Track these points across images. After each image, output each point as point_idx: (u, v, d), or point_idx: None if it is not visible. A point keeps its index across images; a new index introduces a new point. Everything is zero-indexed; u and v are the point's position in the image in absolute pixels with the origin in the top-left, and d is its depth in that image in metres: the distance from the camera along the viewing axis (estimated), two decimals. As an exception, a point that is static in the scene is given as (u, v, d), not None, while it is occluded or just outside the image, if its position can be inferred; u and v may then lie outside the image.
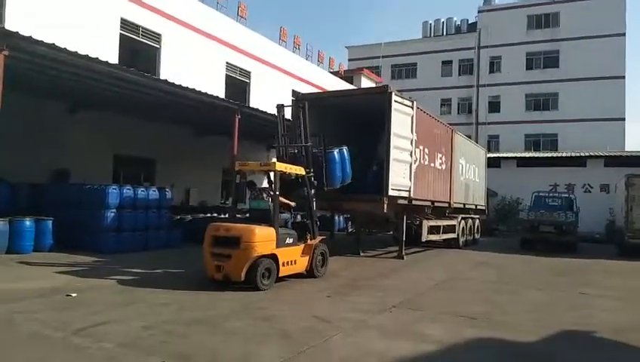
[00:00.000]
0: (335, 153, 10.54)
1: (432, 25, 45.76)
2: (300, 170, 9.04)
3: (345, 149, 10.85)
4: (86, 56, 9.88)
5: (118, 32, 16.12)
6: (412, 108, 12.30)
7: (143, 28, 17.14)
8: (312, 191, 9.37)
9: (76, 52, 9.70)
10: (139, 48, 17.83)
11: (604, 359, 5.24)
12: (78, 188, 12.33)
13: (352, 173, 10.97)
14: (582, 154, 27.86)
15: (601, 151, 28.46)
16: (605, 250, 18.64)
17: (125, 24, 16.41)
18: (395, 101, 11.51)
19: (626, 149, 32.43)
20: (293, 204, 9.20)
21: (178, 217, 15.04)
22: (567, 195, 20.85)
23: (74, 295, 6.88)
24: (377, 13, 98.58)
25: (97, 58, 10.09)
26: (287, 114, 10.76)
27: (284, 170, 8.67)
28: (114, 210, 11.68)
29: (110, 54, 14.11)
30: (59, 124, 14.20)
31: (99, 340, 4.96)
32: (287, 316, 6.35)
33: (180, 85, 12.17)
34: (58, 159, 13.99)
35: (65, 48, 9.50)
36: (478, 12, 42.49)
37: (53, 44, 9.30)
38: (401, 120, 11.82)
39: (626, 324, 6.66)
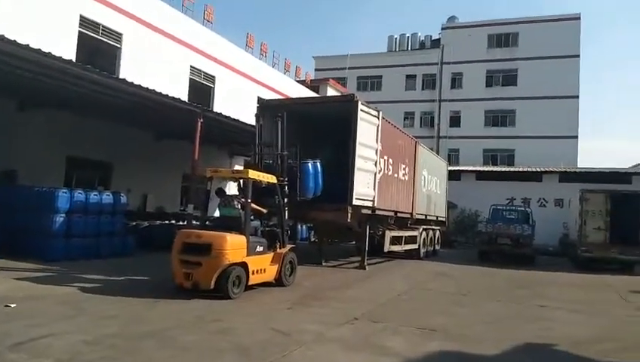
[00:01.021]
0: (309, 165, 10.77)
1: (398, 39, 46.59)
2: (272, 178, 8.99)
3: (318, 162, 11.04)
4: (38, 50, 9.31)
5: (76, 30, 15.44)
6: (378, 118, 12.29)
7: (103, 26, 16.50)
8: (285, 200, 9.36)
9: (27, 45, 9.13)
10: (99, 47, 17.13)
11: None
12: (24, 190, 11.58)
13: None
14: (538, 169, 28.80)
15: (556, 167, 29.52)
16: (559, 262, 19.21)
17: (85, 22, 15.74)
18: (362, 110, 11.47)
19: (579, 166, 33.78)
20: (265, 211, 9.12)
21: (134, 223, 14.43)
22: (523, 209, 21.43)
23: (13, 305, 6.36)
24: (344, 25, 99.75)
25: (50, 53, 9.53)
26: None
27: (257, 178, 8.57)
28: (63, 215, 11.02)
29: (68, 52, 13.46)
30: (7, 123, 13.39)
31: (36, 356, 4.55)
32: (245, 328, 6.06)
33: (140, 85, 11.68)
34: (4, 160, 13.15)
35: (15, 41, 8.93)
36: (442, 29, 43.63)
37: (2, 35, 8.73)
38: (367, 129, 11.78)
39: (584, 337, 6.72)
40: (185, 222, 14.00)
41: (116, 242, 12.27)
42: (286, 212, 9.45)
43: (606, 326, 7.67)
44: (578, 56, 38.57)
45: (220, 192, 9.01)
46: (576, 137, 38.09)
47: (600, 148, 74.90)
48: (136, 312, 6.59)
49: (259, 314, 6.96)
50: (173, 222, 16.30)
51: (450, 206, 23.86)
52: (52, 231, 10.85)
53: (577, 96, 38.36)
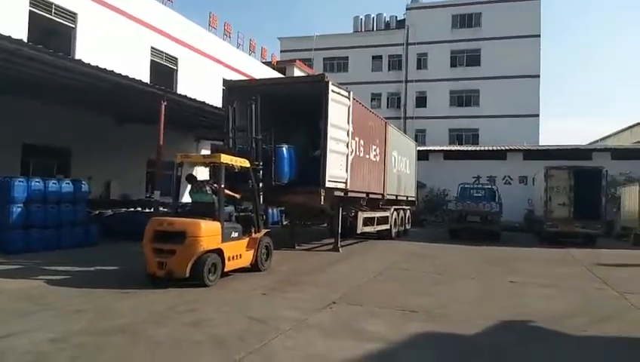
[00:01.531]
0: (284, 149, 10.66)
1: (363, 20, 46.25)
2: (245, 163, 8.79)
3: (292, 147, 10.94)
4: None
5: (27, 9, 14.47)
6: (349, 98, 12.07)
7: (56, 5, 15.56)
8: (260, 184, 9.23)
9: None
10: (53, 28, 16.20)
11: (550, 349, 5.24)
12: (-24, 181, 10.83)
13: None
14: (503, 148, 29.36)
15: (520, 145, 30.18)
16: (525, 238, 19.73)
17: (36, 0, 14.77)
18: (332, 91, 11.21)
19: (540, 144, 34.67)
20: (238, 196, 8.94)
21: (97, 212, 13.86)
22: (490, 187, 21.82)
23: (-34, 304, 5.93)
24: (309, 5, 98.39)
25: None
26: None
27: (230, 163, 8.34)
28: (20, 205, 10.43)
29: (19, 33, 12.59)
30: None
31: (-6, 358, 4.19)
32: (221, 318, 5.82)
33: (97, 66, 11.05)
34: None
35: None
36: (406, 9, 43.56)
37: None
38: (338, 110, 11.55)
39: (559, 312, 6.82)
40: (152, 210, 13.55)
41: (79, 232, 11.75)
42: (261, 196, 9.28)
43: (577, 300, 7.82)
44: (539, 35, 39.33)
45: (191, 178, 8.69)
46: (538, 116, 39.09)
47: (560, 127, 77.42)
48: (105, 305, 6.24)
49: (234, 302, 6.73)
50: (139, 209, 15.78)
51: (419, 185, 24.07)
52: (9, 222, 10.27)
53: (538, 76, 39.22)
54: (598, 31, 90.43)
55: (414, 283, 8.90)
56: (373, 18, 46.17)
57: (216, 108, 15.02)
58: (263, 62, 29.70)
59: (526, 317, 6.35)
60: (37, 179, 10.98)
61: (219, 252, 7.83)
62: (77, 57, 14.68)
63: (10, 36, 9.05)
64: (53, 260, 9.40)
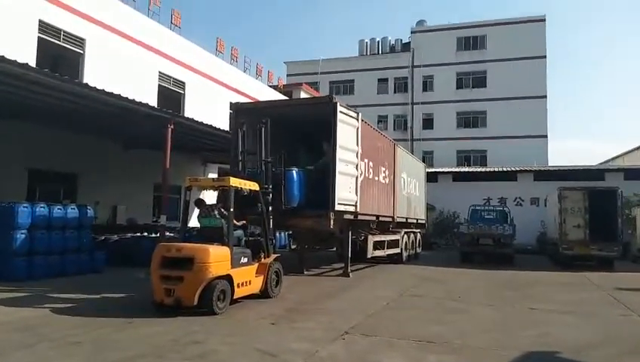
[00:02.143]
0: (294, 172, 10.55)
1: (368, 43, 46.64)
2: (254, 186, 8.61)
3: (302, 170, 10.86)
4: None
5: (36, 35, 14.57)
6: (357, 120, 11.90)
7: (64, 32, 15.66)
8: (269, 208, 9.09)
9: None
10: (61, 54, 16.30)
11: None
12: (-20, 206, 10.66)
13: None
14: (513, 168, 29.00)
15: (529, 166, 29.82)
16: (539, 261, 19.23)
17: (44, 27, 14.88)
18: (341, 112, 11.06)
19: (549, 165, 34.28)
20: (241, 223, 8.64)
21: (102, 238, 13.64)
22: (501, 208, 21.42)
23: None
24: (314, 31, 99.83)
25: (3, 56, 8.77)
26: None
27: (239, 186, 8.17)
28: (24, 231, 10.23)
29: (28, 59, 12.64)
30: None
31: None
32: (227, 351, 5.50)
33: (104, 90, 10.97)
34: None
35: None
36: (411, 33, 43.87)
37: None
38: (347, 132, 11.37)
39: (584, 342, 6.43)
40: (158, 234, 13.32)
41: (84, 258, 11.52)
42: (270, 220, 9.08)
43: (602, 329, 7.41)
44: (545, 57, 39.32)
45: (200, 202, 8.49)
46: (546, 136, 38.78)
47: (568, 148, 76.96)
48: (105, 337, 5.94)
49: (242, 333, 6.41)
50: (146, 234, 15.56)
51: (429, 208, 23.71)
52: (13, 249, 10.07)
53: (545, 96, 39.05)
54: (601, 50, 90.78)
55: (429, 310, 8.53)
56: (379, 41, 46.54)
57: (223, 131, 14.91)
58: (269, 86, 29.83)
59: (551, 348, 5.98)
60: (41, 205, 10.82)
61: (228, 278, 7.59)
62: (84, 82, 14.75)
63: (15, 60, 8.98)
64: (57, 288, 9.16)
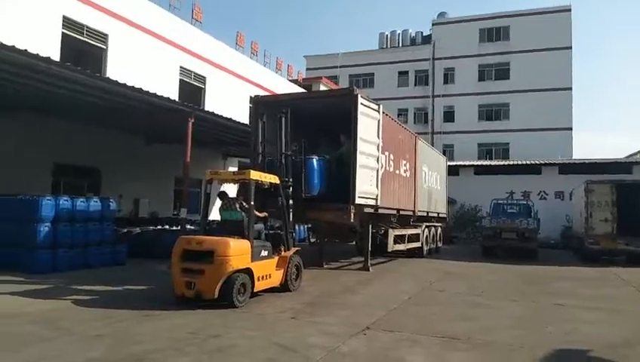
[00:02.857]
0: (314, 161, 10.47)
1: (389, 36, 46.11)
2: (274, 179, 8.57)
3: (322, 159, 10.80)
4: (12, 48, 8.66)
5: (60, 31, 14.76)
6: (378, 112, 11.73)
7: (87, 27, 15.83)
8: (290, 201, 9.05)
9: (1, 43, 8.49)
10: (84, 49, 16.47)
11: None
12: (5, 199, 10.81)
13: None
14: (537, 162, 28.39)
15: (553, 159, 29.16)
16: (563, 255, 18.81)
17: (68, 22, 15.06)
18: (362, 104, 10.90)
19: (574, 158, 33.46)
20: (264, 215, 8.65)
21: (125, 230, 13.80)
22: (525, 202, 20.97)
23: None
24: (334, 24, 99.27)
25: (26, 50, 8.88)
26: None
27: (259, 179, 8.14)
28: (48, 224, 10.37)
29: (51, 54, 12.83)
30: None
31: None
32: (246, 345, 5.45)
33: (126, 84, 11.05)
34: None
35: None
36: (432, 25, 43.21)
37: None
38: (368, 124, 11.22)
39: (616, 339, 6.20)
40: (179, 227, 13.42)
41: (106, 251, 11.65)
42: (291, 213, 9.01)
43: (633, 326, 7.17)
44: (570, 48, 38.34)
45: (223, 195, 8.49)
46: (571, 129, 37.85)
47: (593, 141, 75.09)
48: (125, 329, 5.97)
49: (262, 327, 6.37)
50: (167, 227, 15.71)
51: (450, 201, 23.39)
52: (37, 241, 10.21)
53: (570, 88, 38.10)
54: (629, 45, 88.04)
55: (452, 305, 8.38)
56: (399, 34, 45.98)
57: (243, 124, 14.92)
58: (289, 80, 29.75)
59: (581, 346, 5.78)
60: (65, 198, 10.95)
61: (248, 272, 7.57)
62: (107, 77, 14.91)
63: (38, 54, 9.08)
64: (80, 280, 9.27)
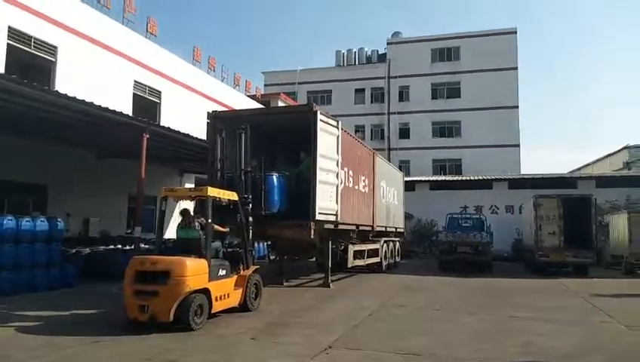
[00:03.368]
0: (274, 177, 10.38)
1: (345, 54, 46.83)
2: (233, 196, 8.40)
3: (282, 176, 10.72)
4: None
5: (5, 42, 14.06)
6: (337, 128, 11.81)
7: (35, 39, 15.16)
8: (250, 218, 8.91)
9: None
10: (31, 61, 15.76)
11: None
12: (-57, 220, 10.10)
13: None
14: (488, 177, 29.41)
15: (503, 174, 30.30)
16: (515, 268, 19.44)
17: (14, 33, 14.38)
18: (321, 120, 10.95)
19: (522, 172, 34.91)
20: (226, 230, 8.53)
21: (74, 251, 13.13)
22: (478, 216, 21.62)
23: None
24: (292, 41, 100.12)
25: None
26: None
27: (217, 196, 7.93)
28: (-10, 245, 9.74)
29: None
30: None
31: None
32: (207, 369, 5.26)
33: (76, 98, 10.60)
34: None
35: None
36: (387, 44, 44.31)
37: None
38: (327, 140, 11.27)
39: (570, 350, 6.41)
40: (132, 246, 12.91)
41: (54, 273, 11.05)
42: (250, 231, 8.85)
43: (586, 336, 7.44)
44: (516, 68, 40.18)
45: (185, 212, 8.26)
46: (518, 146, 39.47)
47: (539, 157, 78.84)
48: (73, 358, 5.62)
49: (221, 349, 6.17)
50: (119, 246, 15.08)
51: (407, 216, 23.77)
52: (-22, 264, 9.54)
53: (517, 107, 39.83)
54: (572, 59, 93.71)
55: (412, 321, 8.44)
56: (355, 52, 46.80)
57: (200, 140, 14.64)
58: (247, 95, 29.60)
59: (539, 358, 5.93)
60: (9, 217, 10.33)
61: (206, 292, 7.33)
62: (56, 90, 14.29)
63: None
64: (25, 304, 8.72)
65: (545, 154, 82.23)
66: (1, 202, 14.20)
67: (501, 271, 17.41)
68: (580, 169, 38.30)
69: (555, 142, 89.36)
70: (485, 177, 29.51)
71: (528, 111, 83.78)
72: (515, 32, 40.73)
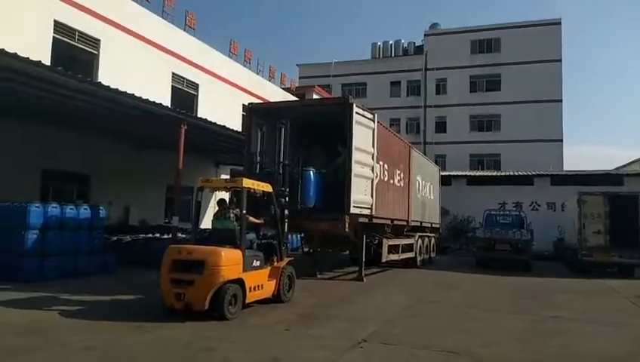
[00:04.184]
0: (311, 173, 10.41)
1: (381, 46, 46.30)
2: (267, 187, 8.41)
3: (318, 172, 10.77)
4: (1, 51, 8.46)
5: (51, 35, 14.56)
6: (373, 121, 11.67)
7: (79, 32, 15.63)
8: (285, 211, 8.92)
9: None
10: (75, 55, 16.27)
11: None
12: (-7, 206, 10.57)
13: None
14: (529, 173, 28.48)
15: (544, 170, 29.30)
16: (556, 267, 18.77)
17: (59, 27, 14.86)
18: (357, 113, 10.82)
19: (565, 169, 33.66)
20: (260, 221, 8.58)
21: (115, 238, 13.54)
22: (517, 213, 20.93)
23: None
24: (327, 34, 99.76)
25: (16, 54, 8.68)
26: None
27: (252, 187, 7.98)
28: (36, 232, 10.13)
29: (42, 59, 12.59)
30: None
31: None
32: (240, 359, 5.29)
33: (117, 90, 10.88)
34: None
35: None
36: (425, 35, 43.49)
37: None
38: (363, 133, 11.14)
39: (615, 352, 6.13)
40: (170, 235, 13.19)
41: (96, 259, 11.42)
42: (285, 223, 8.86)
43: (631, 338, 7.10)
44: (560, 60, 38.72)
45: (221, 203, 8.33)
46: (561, 141, 38.11)
47: (583, 153, 75.84)
48: (116, 342, 5.77)
49: (255, 339, 6.20)
50: (157, 235, 15.46)
51: (443, 211, 23.33)
52: (25, 249, 9.97)
53: (561, 100, 38.42)
54: (621, 58, 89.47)
55: (449, 317, 8.26)
56: (391, 45, 46.21)
57: (236, 132, 14.79)
58: (282, 88, 29.70)
59: (581, 359, 5.68)
60: (54, 205, 10.72)
61: (240, 282, 7.39)
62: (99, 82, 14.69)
63: (28, 57, 8.89)
64: (68, 289, 9.03)
65: (589, 150, 79.04)
66: (47, 190, 14.80)
67: (541, 271, 16.85)
68: (627, 165, 36.55)
69: (600, 138, 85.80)
70: (526, 173, 28.59)
71: (573, 105, 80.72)
72: (560, 23, 39.20)
